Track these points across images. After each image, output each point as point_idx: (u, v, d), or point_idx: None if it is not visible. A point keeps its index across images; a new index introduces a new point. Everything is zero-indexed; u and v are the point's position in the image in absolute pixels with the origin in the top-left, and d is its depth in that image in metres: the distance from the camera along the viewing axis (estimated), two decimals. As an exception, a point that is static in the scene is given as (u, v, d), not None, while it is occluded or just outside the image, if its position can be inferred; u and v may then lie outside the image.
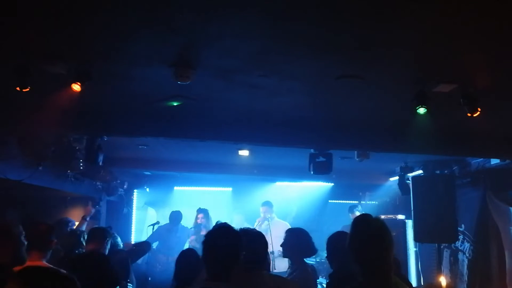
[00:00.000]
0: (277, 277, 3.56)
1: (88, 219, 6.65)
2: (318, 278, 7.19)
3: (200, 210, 8.22)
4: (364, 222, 2.72)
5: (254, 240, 3.33)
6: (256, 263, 3.25)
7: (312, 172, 5.91)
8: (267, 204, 8.29)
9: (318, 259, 7.28)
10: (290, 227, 7.91)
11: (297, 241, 4.35)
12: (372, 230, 2.63)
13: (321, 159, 5.84)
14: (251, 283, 3.18)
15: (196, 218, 8.20)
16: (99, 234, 4.78)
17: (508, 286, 6.45)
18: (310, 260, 7.58)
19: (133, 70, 3.94)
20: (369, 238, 2.60)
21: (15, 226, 3.34)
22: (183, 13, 2.90)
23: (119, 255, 5.00)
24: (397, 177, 7.96)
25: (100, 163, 5.62)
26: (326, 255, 3.86)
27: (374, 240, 2.59)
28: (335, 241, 3.80)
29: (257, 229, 7.82)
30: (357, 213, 8.22)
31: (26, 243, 3.31)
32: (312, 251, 4.42)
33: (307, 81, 4.10)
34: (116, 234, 5.51)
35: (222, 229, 2.97)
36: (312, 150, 5.89)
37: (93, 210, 6.96)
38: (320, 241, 4.24)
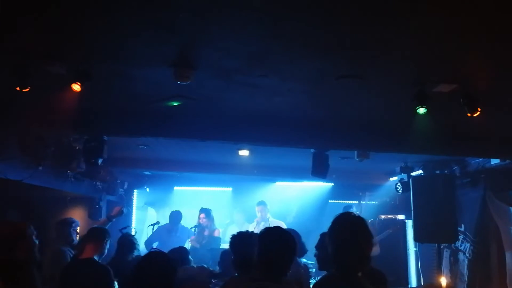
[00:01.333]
0: None
1: (113, 220, 6.52)
2: (313, 279, 7.19)
3: (202, 210, 8.17)
4: (343, 219, 2.74)
5: (250, 242, 3.42)
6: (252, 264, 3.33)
7: (311, 174, 5.92)
8: (263, 203, 8.30)
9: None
10: (286, 227, 7.92)
11: None
12: (350, 228, 2.65)
13: (318, 160, 5.85)
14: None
15: (198, 217, 8.18)
16: (98, 234, 4.77)
17: (508, 286, 6.45)
18: (310, 262, 7.58)
19: (133, 70, 3.94)
20: (345, 234, 2.63)
21: (27, 227, 3.42)
22: (183, 13, 2.90)
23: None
24: (396, 177, 7.96)
25: (99, 163, 5.61)
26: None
27: (350, 237, 2.60)
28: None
29: (256, 230, 7.83)
30: None
31: (37, 242, 3.40)
32: (303, 251, 4.45)
33: (307, 81, 4.10)
34: (133, 235, 5.39)
35: (279, 230, 3.07)
36: (312, 150, 5.89)
37: (124, 210, 6.83)
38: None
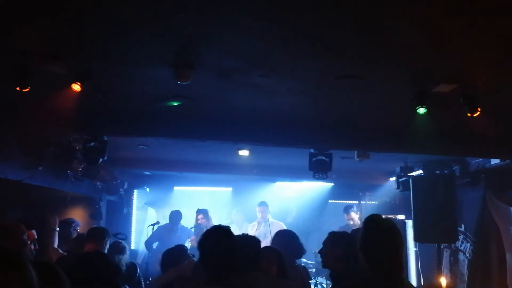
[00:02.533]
0: (272, 278, 3.56)
1: (57, 229, 6.31)
2: (313, 279, 7.19)
3: (199, 211, 8.20)
4: (375, 223, 2.72)
5: (247, 244, 3.43)
6: (250, 265, 3.33)
7: (312, 176, 5.92)
8: (264, 204, 8.29)
9: (318, 259, 7.28)
10: (285, 227, 7.92)
11: (285, 243, 4.35)
12: (384, 230, 2.63)
13: (321, 158, 5.83)
14: (246, 284, 3.22)
15: (196, 218, 8.19)
16: (98, 234, 4.77)
17: (508, 286, 6.44)
18: (310, 262, 7.59)
19: (133, 70, 3.93)
20: (380, 238, 2.61)
21: (15, 226, 3.39)
22: (183, 13, 2.90)
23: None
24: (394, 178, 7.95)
25: (99, 163, 5.61)
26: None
27: (386, 240, 2.59)
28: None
29: (257, 231, 7.83)
30: (352, 214, 8.21)
31: (28, 242, 3.36)
32: (301, 252, 4.44)
33: (307, 81, 4.10)
34: (122, 241, 5.32)
35: (219, 230, 3.02)
36: (312, 150, 5.89)
37: (57, 221, 6.74)
38: (319, 241, 4.24)
